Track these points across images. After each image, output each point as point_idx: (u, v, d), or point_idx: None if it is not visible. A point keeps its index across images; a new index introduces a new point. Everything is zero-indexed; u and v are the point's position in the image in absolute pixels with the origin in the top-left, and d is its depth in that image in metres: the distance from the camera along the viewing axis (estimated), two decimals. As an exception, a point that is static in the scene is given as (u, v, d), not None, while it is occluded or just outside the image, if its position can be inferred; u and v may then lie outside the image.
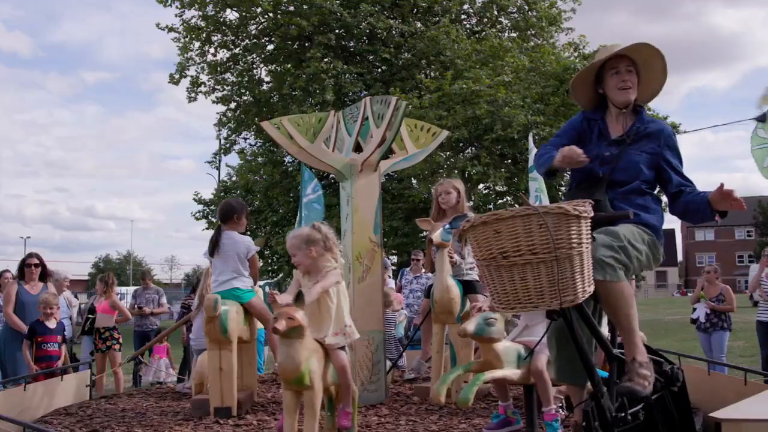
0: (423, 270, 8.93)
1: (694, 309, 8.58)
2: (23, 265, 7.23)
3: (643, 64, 3.41)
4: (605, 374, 3.59)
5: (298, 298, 3.74)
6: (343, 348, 4.07)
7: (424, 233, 7.23)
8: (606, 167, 3.32)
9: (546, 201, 9.10)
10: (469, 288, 5.37)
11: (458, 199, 5.43)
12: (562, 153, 3.17)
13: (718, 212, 3.11)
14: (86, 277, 67.84)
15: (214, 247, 5.35)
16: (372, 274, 5.51)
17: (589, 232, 2.81)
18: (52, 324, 6.77)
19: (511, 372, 4.13)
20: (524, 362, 4.16)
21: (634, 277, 3.40)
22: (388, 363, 5.97)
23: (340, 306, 4.09)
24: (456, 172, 17.32)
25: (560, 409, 4.46)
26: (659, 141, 3.35)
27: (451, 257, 5.29)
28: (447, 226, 5.19)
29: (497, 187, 19.22)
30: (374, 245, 5.54)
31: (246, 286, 5.35)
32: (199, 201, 23.63)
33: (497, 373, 4.08)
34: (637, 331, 3.06)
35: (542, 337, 3.84)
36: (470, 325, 4.10)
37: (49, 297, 6.78)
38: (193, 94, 22.26)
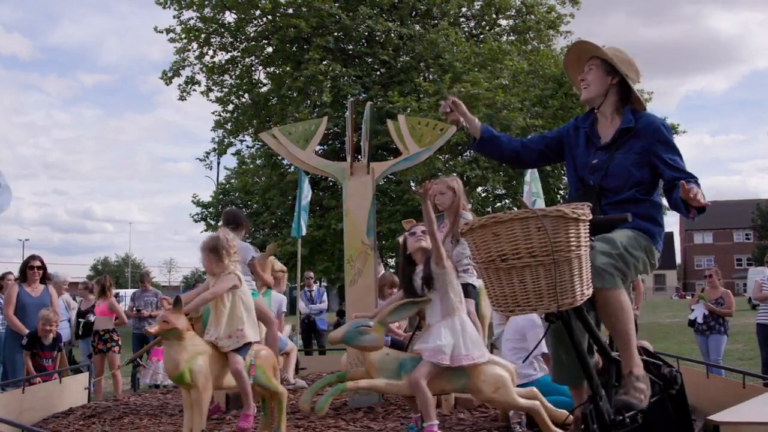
0: None
1: (692, 310, 8.58)
2: (25, 267, 7.25)
3: (607, 61, 3.32)
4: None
5: (176, 302, 4.13)
6: (239, 350, 4.27)
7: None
8: (596, 175, 3.27)
9: (542, 205, 9.11)
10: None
11: (454, 199, 5.15)
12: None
13: (694, 209, 2.96)
14: (85, 280, 67.67)
15: None
16: (364, 276, 5.47)
17: (588, 235, 2.81)
18: (48, 341, 6.81)
19: (383, 383, 4.06)
20: (405, 373, 4.02)
21: (642, 279, 3.41)
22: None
23: (234, 310, 4.34)
24: (455, 175, 17.31)
25: (518, 425, 4.38)
26: (648, 137, 3.23)
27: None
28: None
29: (496, 191, 19.23)
30: (366, 248, 5.50)
31: None
32: (198, 203, 23.64)
33: (362, 383, 4.10)
34: (634, 343, 3.02)
35: (541, 339, 3.84)
36: (339, 332, 4.12)
37: (50, 314, 6.78)
38: (185, 94, 22.24)
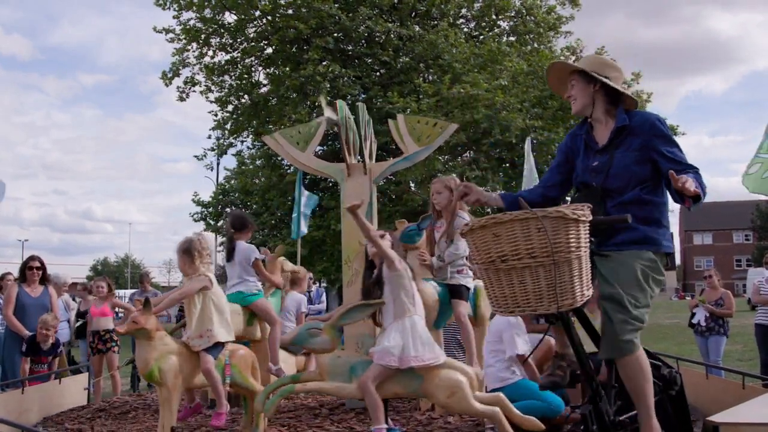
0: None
1: (694, 313, 8.58)
2: (25, 268, 7.24)
3: (586, 73, 3.36)
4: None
5: (146, 303, 4.36)
6: (211, 350, 4.43)
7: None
8: (598, 177, 3.27)
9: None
10: (454, 293, 4.98)
11: (451, 198, 4.98)
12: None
13: (688, 198, 2.96)
14: (84, 280, 67.69)
15: (229, 254, 5.68)
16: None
17: (588, 236, 2.81)
18: (46, 345, 6.82)
19: (332, 385, 4.09)
20: (356, 376, 4.01)
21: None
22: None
23: (204, 310, 4.51)
24: (454, 175, 17.28)
25: (491, 430, 4.31)
26: (645, 133, 3.23)
27: (423, 259, 5.04)
28: (413, 227, 5.01)
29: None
30: (364, 249, 5.45)
31: (249, 289, 5.51)
32: (198, 203, 23.63)
33: (310, 386, 4.17)
34: (652, 408, 3.00)
35: (540, 340, 3.84)
36: (291, 334, 4.22)
37: (49, 319, 6.79)
38: (184, 94, 22.25)
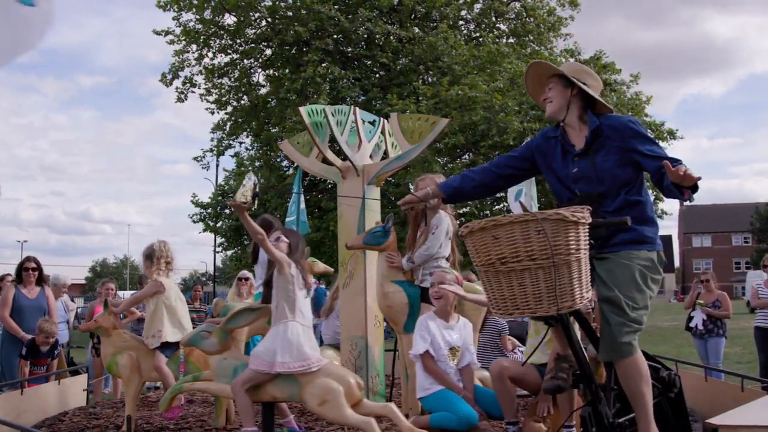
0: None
1: (692, 317, 8.58)
2: (21, 269, 7.20)
3: (565, 76, 3.37)
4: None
5: (105, 305, 5.13)
6: (165, 349, 4.93)
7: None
8: (580, 184, 3.26)
9: (536, 209, 9.06)
10: (424, 296, 4.68)
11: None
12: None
13: (687, 189, 2.94)
14: (83, 281, 67.69)
15: (253, 256, 6.04)
16: (355, 279, 5.39)
17: (587, 238, 2.81)
18: (44, 348, 6.81)
19: (215, 386, 4.29)
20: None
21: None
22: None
23: (155, 312, 5.00)
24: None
25: None
26: (620, 136, 3.21)
27: (390, 261, 4.85)
28: (379, 227, 4.89)
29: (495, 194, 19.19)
30: (360, 251, 5.37)
31: None
32: (197, 204, 23.61)
33: (197, 386, 4.46)
34: (650, 411, 3.00)
35: (540, 342, 3.83)
36: (188, 336, 4.46)
37: (52, 328, 6.77)
38: (183, 95, 22.23)
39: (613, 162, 3.20)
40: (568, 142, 3.37)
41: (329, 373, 3.94)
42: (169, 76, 21.69)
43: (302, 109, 5.73)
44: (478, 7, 22.36)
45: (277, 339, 3.94)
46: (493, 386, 3.95)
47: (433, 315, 4.31)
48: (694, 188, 2.94)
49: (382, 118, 6.28)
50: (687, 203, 3.11)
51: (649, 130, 15.04)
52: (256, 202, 3.92)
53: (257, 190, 3.94)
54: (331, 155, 5.76)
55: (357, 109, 6.00)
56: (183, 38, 21.38)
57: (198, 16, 21.11)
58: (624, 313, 2.94)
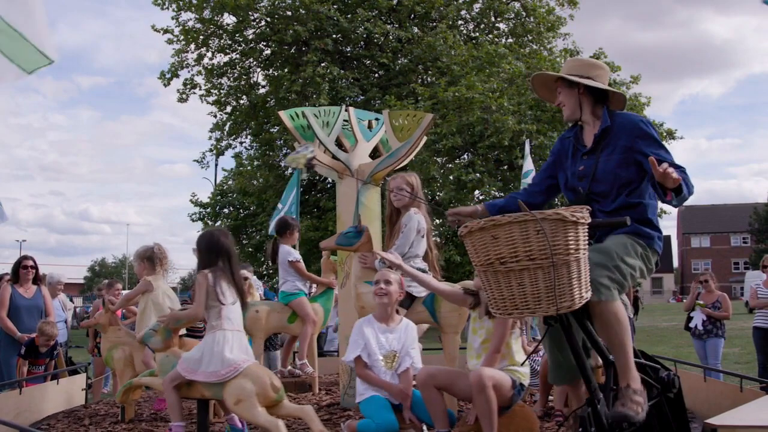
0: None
1: (691, 317, 8.58)
2: (18, 268, 7.17)
3: (572, 81, 3.37)
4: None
5: (104, 302, 5.58)
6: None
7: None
8: (584, 182, 3.28)
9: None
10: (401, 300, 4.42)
11: (411, 196, 4.72)
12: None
13: (670, 191, 2.92)
14: (81, 281, 67.65)
15: (272, 257, 6.30)
16: (352, 278, 5.37)
17: (587, 238, 2.81)
18: (43, 349, 6.82)
19: (159, 381, 4.66)
20: None
21: (639, 283, 3.36)
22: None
23: (144, 311, 5.36)
24: (451, 179, 17.29)
25: None
26: (628, 135, 3.21)
27: (363, 262, 4.76)
28: (351, 228, 4.79)
29: (492, 194, 19.20)
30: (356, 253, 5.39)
31: (290, 289, 6.08)
32: (196, 203, 23.62)
33: (143, 380, 4.99)
34: (630, 356, 3.02)
35: (540, 341, 3.83)
36: (141, 333, 4.77)
37: (53, 330, 6.79)
38: (184, 95, 22.24)
39: (615, 162, 3.21)
40: (580, 141, 3.40)
41: (248, 374, 4.09)
42: (168, 75, 21.68)
43: (283, 114, 5.79)
44: (477, 6, 22.35)
45: (206, 348, 4.16)
46: (421, 394, 3.86)
47: (371, 319, 4.22)
48: (678, 192, 2.93)
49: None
50: (673, 207, 3.10)
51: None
52: (308, 171, 4.14)
53: (312, 161, 4.14)
54: (327, 159, 5.73)
55: (351, 108, 6.00)
56: (182, 38, 21.37)
57: (197, 16, 21.09)
58: (610, 257, 3.00)
